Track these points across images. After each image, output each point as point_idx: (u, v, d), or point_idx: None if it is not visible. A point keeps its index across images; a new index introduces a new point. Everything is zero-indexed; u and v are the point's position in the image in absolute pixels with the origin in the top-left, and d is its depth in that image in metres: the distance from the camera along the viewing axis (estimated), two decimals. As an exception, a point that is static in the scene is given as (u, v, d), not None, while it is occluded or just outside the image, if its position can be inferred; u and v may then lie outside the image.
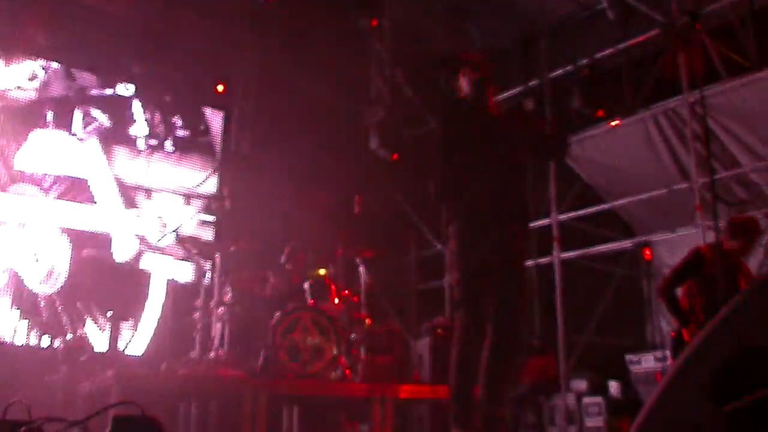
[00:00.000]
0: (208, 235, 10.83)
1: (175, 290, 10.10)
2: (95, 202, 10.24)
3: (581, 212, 10.07)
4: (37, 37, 10.00)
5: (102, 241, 10.24)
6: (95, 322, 9.80)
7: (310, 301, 7.13)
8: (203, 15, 10.72)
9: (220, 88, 11.42)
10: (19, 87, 10.07)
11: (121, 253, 10.26)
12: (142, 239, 10.46)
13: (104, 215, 10.27)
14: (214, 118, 11.62)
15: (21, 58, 10.20)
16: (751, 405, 1.65)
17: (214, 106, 11.67)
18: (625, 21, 9.96)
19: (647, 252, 9.93)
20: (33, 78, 10.26)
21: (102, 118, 10.49)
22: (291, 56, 11.29)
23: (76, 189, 10.19)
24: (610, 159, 10.05)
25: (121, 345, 9.66)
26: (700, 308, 5.77)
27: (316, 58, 11.24)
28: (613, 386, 8.93)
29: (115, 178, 10.45)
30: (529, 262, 10.39)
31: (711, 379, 1.75)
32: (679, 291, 5.96)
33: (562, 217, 10.00)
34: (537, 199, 10.63)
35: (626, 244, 10.13)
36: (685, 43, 8.63)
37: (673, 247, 9.34)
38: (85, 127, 10.36)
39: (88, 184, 10.24)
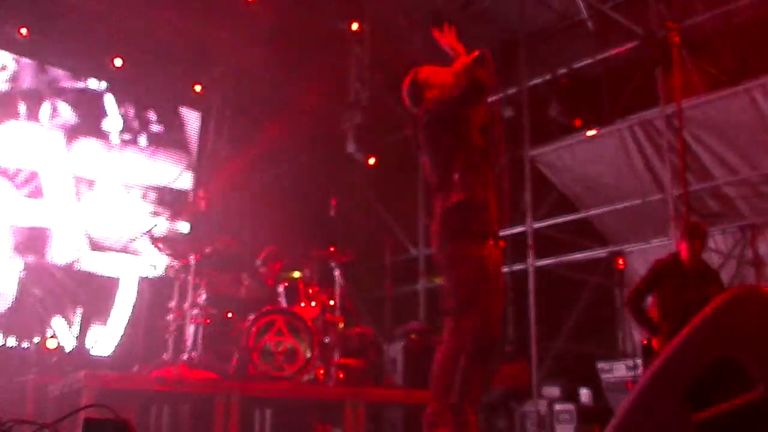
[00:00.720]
0: (182, 235, 10.77)
1: (148, 291, 10.04)
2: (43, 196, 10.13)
3: (556, 220, 10.14)
4: (13, 32, 9.93)
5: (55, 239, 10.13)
6: (65, 321, 9.70)
7: (284, 303, 7.13)
8: (182, 14, 10.67)
9: (197, 88, 11.38)
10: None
11: (65, 252, 10.14)
12: (108, 237, 10.36)
13: (55, 211, 10.15)
14: (189, 116, 11.56)
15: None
16: (722, 415, 1.68)
17: (192, 106, 11.62)
18: (605, 32, 10.06)
19: (620, 261, 9.98)
20: (2, 69, 10.18)
21: (68, 112, 10.40)
22: (270, 58, 11.28)
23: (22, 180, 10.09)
24: (585, 168, 10.12)
25: (89, 345, 9.61)
26: (666, 318, 5.88)
27: (295, 61, 11.24)
28: (585, 394, 8.98)
29: (76, 173, 10.34)
30: (504, 269, 10.43)
31: (683, 389, 1.78)
32: (650, 301, 6.08)
33: (537, 225, 10.05)
34: (512, 206, 10.70)
35: (600, 253, 10.22)
36: (662, 56, 8.71)
37: (646, 257, 9.41)
38: (51, 119, 10.27)
39: (39, 175, 10.13)
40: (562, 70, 9.74)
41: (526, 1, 10.25)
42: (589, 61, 9.78)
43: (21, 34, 9.95)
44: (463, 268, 4.24)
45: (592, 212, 10.10)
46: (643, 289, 6.07)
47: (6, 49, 10.28)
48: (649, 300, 6.13)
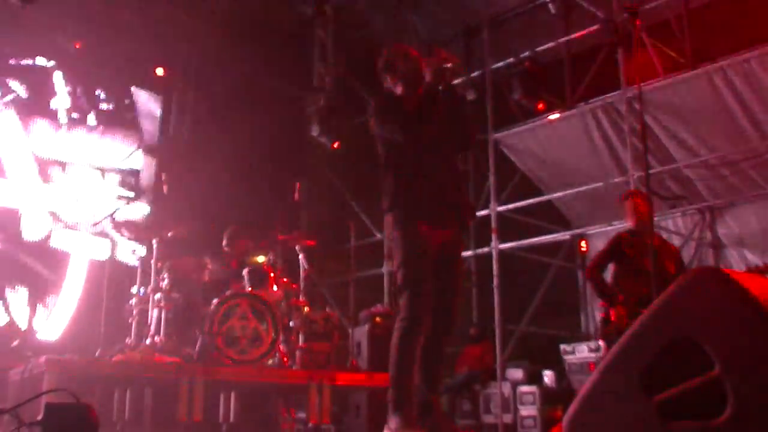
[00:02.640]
0: (144, 218, 10.67)
1: (109, 274, 9.93)
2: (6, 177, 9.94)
3: (519, 204, 10.18)
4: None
5: (13, 218, 9.96)
6: (4, 304, 9.53)
7: (248, 287, 7.11)
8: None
9: (160, 71, 11.23)
10: None
11: (33, 231, 9.98)
12: (59, 216, 10.20)
13: (17, 190, 10.00)
14: (139, 94, 11.38)
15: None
16: (681, 395, 1.70)
17: (152, 89, 11.47)
18: (567, 15, 10.09)
19: (583, 244, 10.06)
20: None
21: (20, 90, 10.20)
22: (233, 41, 11.18)
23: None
24: (548, 152, 10.18)
25: (37, 327, 9.49)
26: (623, 289, 6.05)
27: (258, 44, 11.15)
28: (548, 375, 9.06)
29: (33, 152, 10.17)
30: (467, 252, 10.47)
31: (642, 370, 1.80)
32: (608, 276, 6.23)
33: (501, 208, 10.09)
34: (476, 189, 10.74)
35: (563, 236, 10.29)
36: (623, 39, 8.77)
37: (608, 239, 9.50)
38: (2, 98, 10.07)
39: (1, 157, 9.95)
40: (525, 54, 9.75)
41: (489, -16, 10.27)
42: (552, 44, 9.81)
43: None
44: (404, 248, 4.30)
45: (555, 195, 10.17)
46: (604, 260, 6.28)
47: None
48: (608, 275, 6.30)
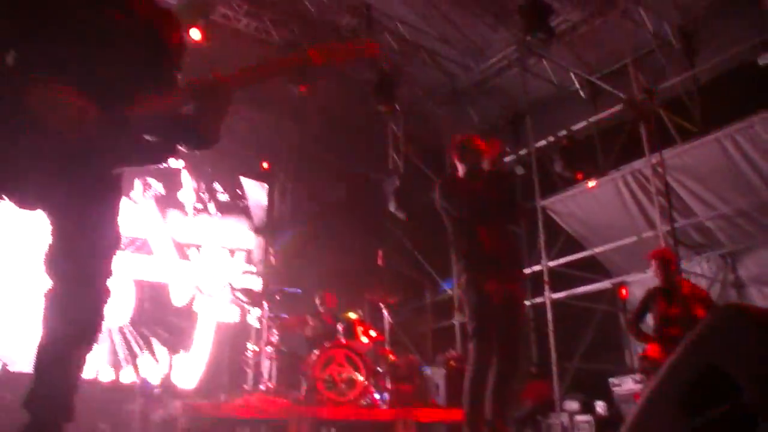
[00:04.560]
0: (256, 284, 10.83)
1: (229, 332, 10.07)
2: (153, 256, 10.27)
3: (567, 259, 10.00)
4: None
5: (163, 290, 10.24)
6: (153, 357, 9.73)
7: (343, 340, 7.10)
8: (248, 103, 10.86)
9: (265, 165, 11.52)
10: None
11: (179, 299, 10.24)
12: (196, 287, 10.45)
13: (163, 267, 10.29)
14: (250, 185, 11.68)
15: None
16: (714, 420, 1.61)
17: (258, 179, 11.76)
18: (595, 98, 10.04)
19: (624, 290, 9.78)
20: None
21: (158, 186, 10.58)
22: (323, 136, 11.41)
23: (136, 245, 10.22)
24: (588, 213, 10.03)
25: (176, 378, 9.64)
26: (657, 330, 5.94)
27: (343, 137, 11.36)
28: (600, 406, 8.74)
29: (171, 236, 10.49)
30: (526, 302, 10.29)
31: (681, 397, 1.72)
32: (651, 321, 6.13)
33: (551, 263, 9.91)
34: (529, 248, 10.59)
35: (606, 284, 10.02)
36: (644, 115, 8.66)
37: (645, 285, 9.17)
38: (143, 194, 10.44)
39: (148, 241, 10.27)
40: (562, 132, 9.68)
41: (529, 77, 10.28)
42: (584, 123, 9.73)
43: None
44: (472, 302, 4.26)
45: (597, 250, 9.95)
46: (639, 312, 6.25)
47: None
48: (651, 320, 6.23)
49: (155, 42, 2.49)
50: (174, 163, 10.90)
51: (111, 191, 2.45)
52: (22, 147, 2.13)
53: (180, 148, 2.51)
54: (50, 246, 2.33)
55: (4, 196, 2.20)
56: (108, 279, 2.40)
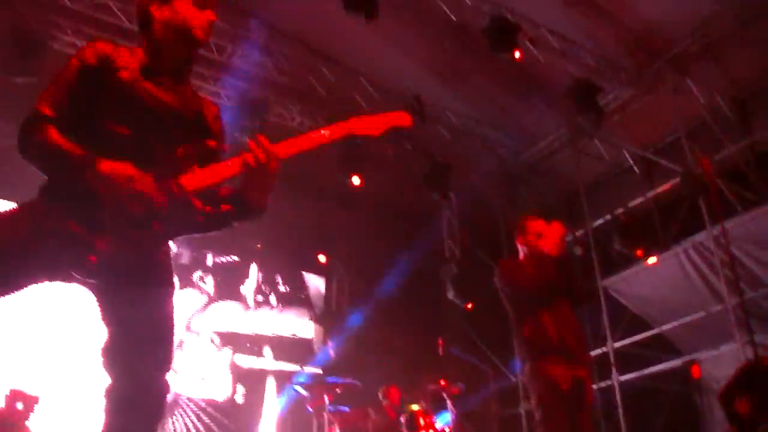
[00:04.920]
0: (316, 376, 10.78)
1: (287, 427, 10.00)
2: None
3: (633, 339, 9.67)
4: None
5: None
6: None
7: (406, 432, 6.96)
8: (306, 197, 11.09)
9: (321, 258, 11.64)
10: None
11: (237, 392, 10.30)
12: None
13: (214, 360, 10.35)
14: (309, 276, 11.80)
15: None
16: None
17: (316, 272, 11.88)
18: (650, 173, 9.93)
19: (696, 369, 9.37)
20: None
21: (212, 282, 10.79)
22: (378, 225, 11.51)
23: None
24: (651, 290, 9.74)
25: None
26: (753, 414, 5.49)
27: (398, 226, 11.44)
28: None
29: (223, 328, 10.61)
30: (593, 387, 9.93)
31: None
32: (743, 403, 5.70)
33: (617, 344, 9.60)
34: (593, 330, 10.29)
35: (676, 363, 9.62)
36: (701, 186, 8.49)
37: (719, 362, 8.83)
38: (202, 287, 10.63)
39: (198, 334, 10.39)
40: (619, 210, 9.55)
41: (581, 157, 10.26)
42: (641, 199, 9.59)
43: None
44: (538, 389, 4.15)
45: (664, 328, 9.60)
46: (734, 387, 5.72)
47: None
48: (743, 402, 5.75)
49: (202, 127, 2.62)
50: (238, 256, 11.16)
51: (167, 275, 2.51)
52: (86, 220, 2.22)
53: (230, 219, 2.60)
54: (110, 334, 2.34)
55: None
56: (168, 372, 2.39)
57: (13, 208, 2.28)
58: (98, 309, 2.36)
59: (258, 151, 2.39)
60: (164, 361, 2.39)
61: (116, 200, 2.17)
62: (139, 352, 2.32)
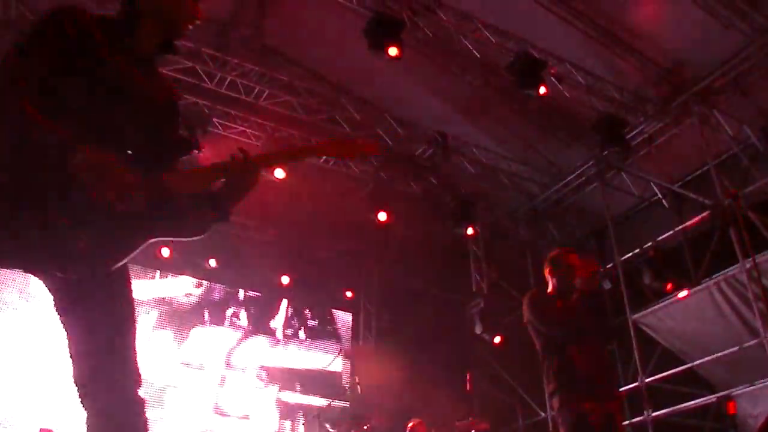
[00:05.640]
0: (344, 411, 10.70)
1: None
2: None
3: (665, 374, 9.45)
4: (203, 262, 10.60)
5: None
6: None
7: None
8: (333, 236, 11.12)
9: (348, 294, 11.65)
10: (187, 294, 10.56)
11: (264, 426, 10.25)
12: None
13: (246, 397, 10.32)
14: (338, 313, 11.80)
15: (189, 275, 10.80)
16: None
17: (343, 308, 11.87)
18: (679, 206, 9.82)
19: (731, 405, 9.12)
20: (199, 285, 10.76)
21: (245, 316, 10.82)
22: (404, 262, 11.48)
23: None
24: (683, 325, 9.54)
25: None
26: None
27: (424, 262, 11.39)
28: None
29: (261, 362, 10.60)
30: (624, 423, 9.72)
31: None
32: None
33: (649, 379, 9.40)
34: (624, 365, 10.11)
35: (710, 399, 9.39)
36: (731, 219, 8.36)
37: (755, 398, 8.60)
38: (233, 323, 10.66)
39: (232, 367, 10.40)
40: (648, 244, 9.43)
41: (609, 191, 10.19)
42: (670, 232, 9.46)
43: (209, 264, 10.61)
44: (569, 424, 4.08)
45: (696, 363, 9.38)
46: None
47: (195, 276, 10.86)
48: None
49: (172, 107, 2.52)
50: (271, 291, 11.20)
51: (127, 278, 2.37)
52: (67, 210, 2.06)
53: (209, 223, 2.43)
54: (79, 337, 2.22)
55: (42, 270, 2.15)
56: (140, 387, 2.27)
57: None
58: (62, 308, 2.25)
59: (241, 160, 2.35)
60: (135, 371, 2.27)
61: (102, 190, 2.03)
62: (112, 361, 2.22)
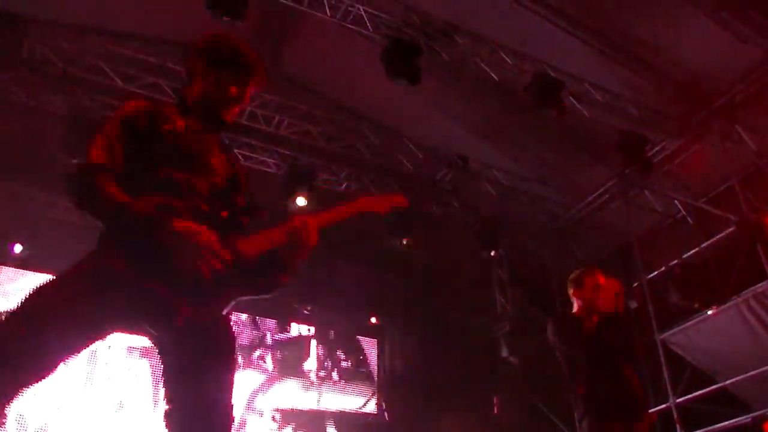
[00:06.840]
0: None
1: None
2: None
3: (696, 394, 9.24)
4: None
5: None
6: None
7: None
8: (358, 262, 11.06)
9: (373, 320, 11.57)
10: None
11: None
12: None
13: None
14: (369, 348, 11.64)
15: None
16: None
17: (369, 335, 11.75)
18: (704, 223, 9.67)
19: (767, 426, 8.87)
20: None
21: (271, 359, 10.70)
22: (428, 287, 11.40)
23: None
24: (712, 343, 9.33)
25: None
26: None
27: (449, 286, 11.30)
28: None
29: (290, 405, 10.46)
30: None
31: None
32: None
33: (679, 400, 9.19)
34: (653, 386, 9.90)
35: (745, 419, 9.14)
36: (758, 235, 8.20)
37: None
38: (262, 365, 10.54)
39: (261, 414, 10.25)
40: (674, 262, 9.28)
41: (632, 209, 10.05)
42: (696, 249, 9.30)
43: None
44: None
45: (728, 382, 9.16)
46: None
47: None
48: None
49: (237, 182, 2.65)
50: (302, 331, 11.10)
51: (232, 342, 2.46)
52: (162, 278, 2.19)
53: (278, 284, 2.60)
54: (174, 397, 2.29)
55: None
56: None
57: (80, 264, 2.21)
58: (164, 370, 2.35)
59: (302, 226, 2.49)
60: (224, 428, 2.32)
61: (192, 259, 2.16)
62: (202, 419, 2.26)
